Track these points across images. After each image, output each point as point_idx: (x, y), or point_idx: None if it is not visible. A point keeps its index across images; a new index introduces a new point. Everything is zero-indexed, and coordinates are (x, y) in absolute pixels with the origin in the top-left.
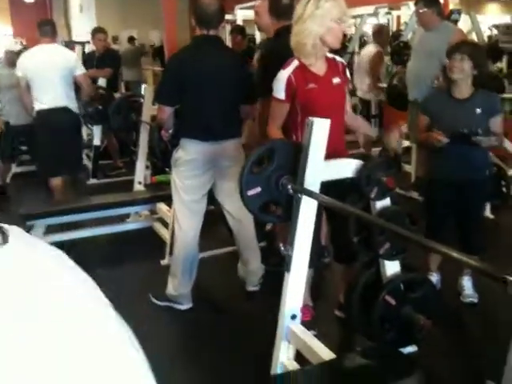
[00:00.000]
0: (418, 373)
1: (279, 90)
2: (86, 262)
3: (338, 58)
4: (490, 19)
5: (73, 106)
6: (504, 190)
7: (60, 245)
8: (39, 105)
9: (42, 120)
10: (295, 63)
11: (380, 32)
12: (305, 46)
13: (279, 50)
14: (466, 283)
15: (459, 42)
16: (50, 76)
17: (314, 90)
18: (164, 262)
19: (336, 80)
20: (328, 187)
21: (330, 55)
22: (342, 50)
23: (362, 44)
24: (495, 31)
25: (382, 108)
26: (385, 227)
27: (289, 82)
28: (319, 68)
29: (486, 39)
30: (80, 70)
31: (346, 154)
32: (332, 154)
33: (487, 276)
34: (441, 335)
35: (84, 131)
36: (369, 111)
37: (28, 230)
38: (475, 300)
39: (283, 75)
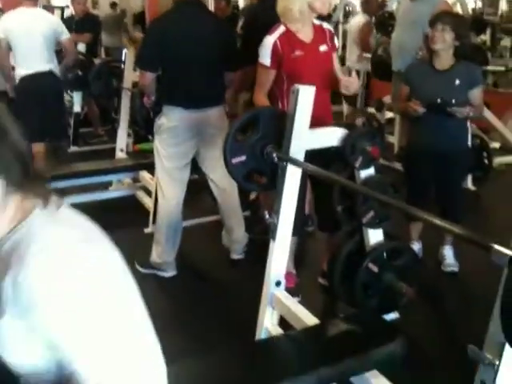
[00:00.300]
0: (400, 338)
1: (265, 55)
2: None
3: (325, 25)
4: None
5: (56, 70)
6: (486, 161)
7: None
8: (22, 70)
9: (26, 84)
10: (281, 29)
11: (368, 2)
12: (291, 11)
13: (263, 15)
14: (447, 252)
15: (442, 12)
16: (34, 40)
17: (300, 57)
18: (148, 230)
19: (323, 47)
20: (312, 156)
21: (318, 22)
22: (326, 19)
23: (347, 14)
24: (480, 3)
25: (370, 79)
26: (369, 195)
27: (275, 48)
28: (306, 35)
29: (470, 11)
30: (65, 35)
31: (331, 123)
32: (317, 122)
33: (472, 243)
34: (422, 304)
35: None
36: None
37: None
38: (456, 269)
39: (269, 41)
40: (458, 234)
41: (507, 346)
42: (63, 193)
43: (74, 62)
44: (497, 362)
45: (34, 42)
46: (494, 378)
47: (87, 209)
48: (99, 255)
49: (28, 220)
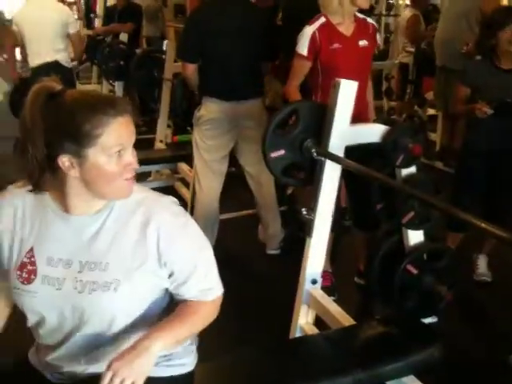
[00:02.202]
0: (439, 343)
1: (302, 45)
2: None
3: (369, 20)
4: None
5: (65, 60)
6: None
7: None
8: (33, 60)
9: (35, 75)
10: (322, 20)
11: None
12: (331, 2)
13: (300, 6)
14: (481, 261)
15: (507, 8)
16: (43, 31)
17: (338, 49)
18: None
19: (363, 42)
20: (350, 151)
21: (361, 16)
22: (368, 11)
23: (390, 6)
24: None
25: (420, 73)
26: (412, 194)
27: (313, 39)
28: (346, 28)
29: None
30: (74, 28)
31: (368, 118)
32: (355, 117)
33: None
34: (458, 309)
35: (105, 87)
36: (407, 76)
37: None
38: (489, 279)
39: (308, 31)
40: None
41: None
42: None
43: (80, 56)
44: None
45: (42, 33)
46: None
47: None
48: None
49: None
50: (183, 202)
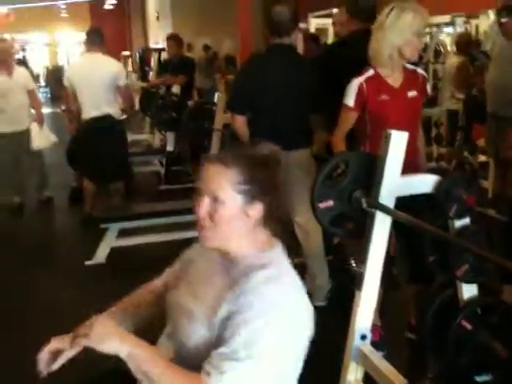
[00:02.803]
0: None
1: (349, 96)
2: (154, 265)
3: (419, 71)
4: None
5: (114, 112)
6: None
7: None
8: (84, 114)
9: (85, 128)
10: (370, 72)
11: (465, 41)
12: (381, 55)
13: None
14: None
15: None
16: (93, 86)
17: (386, 101)
18: None
19: (412, 93)
20: (400, 203)
21: (411, 67)
22: (417, 59)
23: (437, 53)
24: None
25: (470, 120)
26: (466, 247)
27: (360, 90)
28: (395, 79)
29: None
30: (122, 82)
31: (421, 167)
32: (406, 167)
33: None
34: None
35: (157, 137)
36: (457, 123)
37: (102, 232)
38: None
39: (355, 82)
40: None
41: None
42: (153, 230)
43: (131, 108)
44: None
45: (93, 89)
46: None
47: (174, 246)
48: (296, 308)
49: (268, 252)
50: None
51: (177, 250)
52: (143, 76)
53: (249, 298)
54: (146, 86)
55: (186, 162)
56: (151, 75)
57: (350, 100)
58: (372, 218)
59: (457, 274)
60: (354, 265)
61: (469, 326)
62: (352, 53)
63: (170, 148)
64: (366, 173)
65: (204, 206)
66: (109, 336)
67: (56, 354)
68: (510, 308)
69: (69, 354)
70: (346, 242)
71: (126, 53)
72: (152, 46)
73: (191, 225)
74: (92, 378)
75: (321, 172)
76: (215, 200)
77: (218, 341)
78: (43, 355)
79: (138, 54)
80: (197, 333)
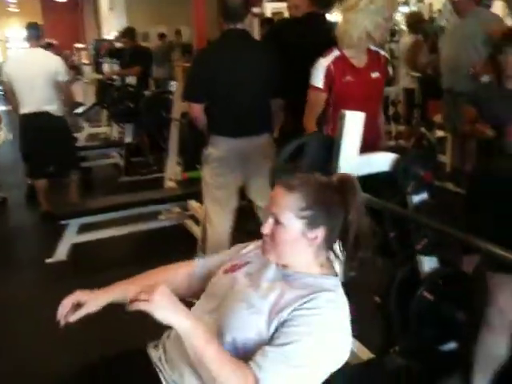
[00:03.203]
0: (460, 372)
1: (317, 78)
2: (118, 260)
3: (381, 52)
4: None
5: (55, 109)
6: None
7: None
8: (22, 109)
9: (23, 123)
10: (336, 53)
11: (415, 20)
12: (351, 37)
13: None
14: None
15: (508, 32)
16: (33, 80)
17: (351, 82)
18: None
19: (375, 74)
20: (362, 181)
21: (374, 48)
22: None
23: (393, 33)
24: None
25: (425, 98)
26: (424, 222)
27: (328, 71)
28: (360, 60)
29: None
30: (62, 77)
31: (382, 147)
32: (369, 147)
33: None
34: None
35: (115, 129)
36: (413, 101)
37: (62, 229)
38: None
39: (323, 63)
40: None
41: None
42: (114, 224)
43: (70, 105)
44: None
45: (31, 85)
46: None
47: (138, 238)
48: (345, 333)
49: (331, 277)
50: (194, 240)
51: (140, 242)
52: (98, 68)
53: (311, 314)
54: (101, 78)
55: (145, 153)
56: (106, 67)
57: (319, 81)
58: None
59: (417, 248)
60: None
61: (430, 297)
62: (305, 30)
63: (128, 139)
64: (324, 154)
65: (268, 225)
66: (170, 307)
67: (77, 307)
68: (470, 278)
69: (89, 309)
70: None
71: (80, 45)
72: (106, 37)
73: (153, 216)
74: (115, 356)
75: (280, 155)
76: (277, 222)
77: (271, 339)
78: (65, 305)
79: (92, 46)
80: (254, 324)
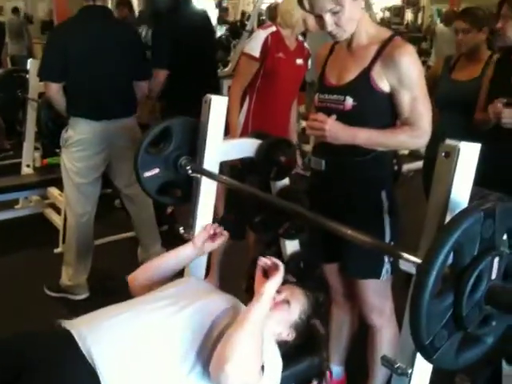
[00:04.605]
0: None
1: (254, 47)
2: None
3: (305, 44)
4: (381, 1)
5: None
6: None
7: None
8: None
9: None
10: (273, 28)
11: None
12: (292, 16)
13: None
14: None
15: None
16: None
17: (282, 60)
18: (58, 250)
19: (299, 61)
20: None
21: (301, 38)
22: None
23: (261, 22)
24: (387, 13)
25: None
26: (285, 207)
27: (265, 42)
28: (291, 43)
29: (378, 20)
30: None
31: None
32: (283, 131)
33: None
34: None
35: None
36: None
37: None
38: None
39: (262, 34)
40: (369, 243)
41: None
42: None
43: None
44: (409, 371)
45: None
46: None
47: None
48: None
49: None
50: (54, 230)
51: None
52: None
53: None
54: None
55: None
56: None
57: (256, 50)
58: (198, 183)
59: (279, 232)
60: (182, 231)
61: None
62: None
63: None
64: (190, 139)
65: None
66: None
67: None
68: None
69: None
70: (178, 212)
71: None
72: None
73: (8, 205)
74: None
75: (143, 140)
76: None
77: None
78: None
79: None
80: None
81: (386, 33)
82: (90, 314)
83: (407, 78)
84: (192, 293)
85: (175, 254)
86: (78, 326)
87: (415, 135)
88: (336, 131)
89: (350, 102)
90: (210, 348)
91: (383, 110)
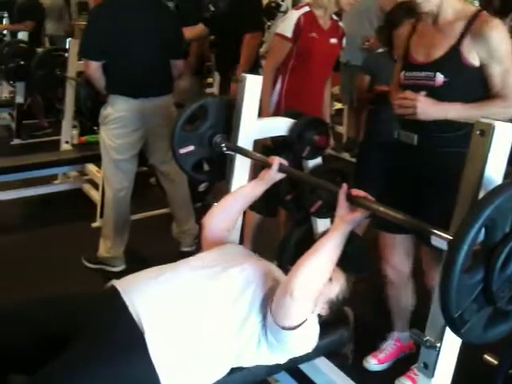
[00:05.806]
0: (348, 324)
1: (287, 27)
2: (13, 224)
3: (340, 24)
4: None
5: None
6: None
7: None
8: None
9: None
10: (306, 8)
11: None
12: None
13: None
14: None
15: (401, 4)
16: None
17: (315, 39)
18: (95, 224)
19: (334, 40)
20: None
21: (335, 17)
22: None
23: (295, 3)
24: None
25: None
26: (318, 185)
27: (298, 23)
28: (324, 23)
29: None
30: None
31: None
32: (315, 111)
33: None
34: (368, 292)
35: (5, 88)
36: None
37: None
38: None
39: (295, 15)
40: (403, 220)
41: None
42: (5, 187)
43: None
44: (438, 345)
45: None
46: (436, 361)
47: (32, 203)
48: None
49: None
50: (92, 205)
51: (32, 206)
52: None
53: None
54: None
55: (38, 115)
56: None
57: (289, 30)
58: (232, 161)
59: (311, 210)
60: None
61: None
62: None
63: (19, 99)
64: (224, 117)
65: None
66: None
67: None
68: (362, 239)
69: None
70: (212, 190)
71: None
72: None
73: (45, 180)
74: None
75: (179, 118)
76: None
77: None
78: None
79: None
80: None
81: (471, 8)
82: (135, 274)
83: (497, 52)
84: (237, 255)
85: (245, 187)
86: (123, 283)
87: (506, 105)
88: (427, 107)
89: (440, 77)
90: (267, 293)
91: (473, 84)
